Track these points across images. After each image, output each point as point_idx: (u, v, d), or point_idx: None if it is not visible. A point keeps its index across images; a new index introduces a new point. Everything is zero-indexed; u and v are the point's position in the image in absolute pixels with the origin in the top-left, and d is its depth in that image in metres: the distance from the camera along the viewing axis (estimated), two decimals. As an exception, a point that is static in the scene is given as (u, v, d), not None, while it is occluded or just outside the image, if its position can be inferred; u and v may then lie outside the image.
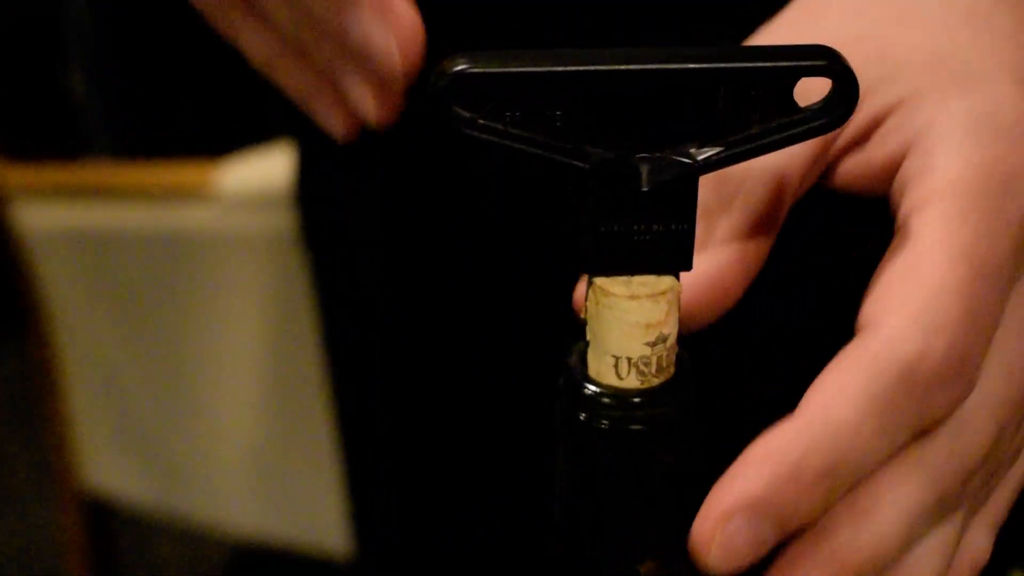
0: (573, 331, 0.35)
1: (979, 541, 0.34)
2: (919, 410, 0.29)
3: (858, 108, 0.32)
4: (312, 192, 0.67)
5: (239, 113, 1.85)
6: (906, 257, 0.30)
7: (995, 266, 0.30)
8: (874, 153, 0.33)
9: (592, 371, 0.34)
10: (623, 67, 0.32)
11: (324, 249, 0.67)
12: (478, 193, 0.56)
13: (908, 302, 0.30)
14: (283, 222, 1.10)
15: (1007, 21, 0.33)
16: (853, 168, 0.35)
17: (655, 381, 0.34)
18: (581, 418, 0.34)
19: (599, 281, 0.34)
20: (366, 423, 0.68)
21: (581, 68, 0.32)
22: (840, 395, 0.29)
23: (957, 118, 0.31)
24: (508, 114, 0.32)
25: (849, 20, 0.35)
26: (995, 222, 0.30)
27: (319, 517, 1.19)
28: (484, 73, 0.31)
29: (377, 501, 0.70)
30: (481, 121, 0.32)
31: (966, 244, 0.30)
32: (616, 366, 0.34)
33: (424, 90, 0.31)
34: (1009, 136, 0.31)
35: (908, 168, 0.32)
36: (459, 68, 0.31)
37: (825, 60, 0.33)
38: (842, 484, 0.29)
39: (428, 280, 0.60)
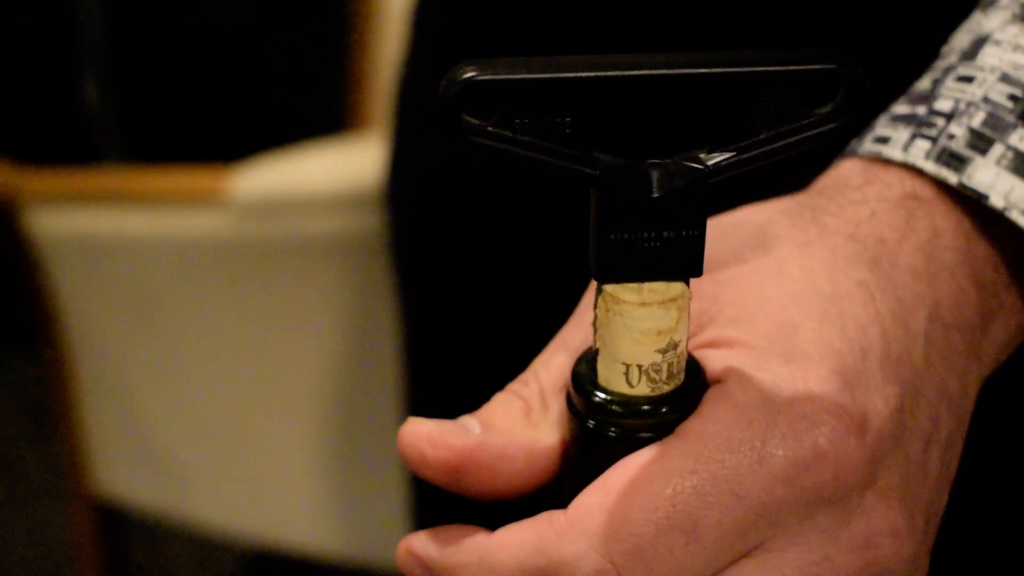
0: None
1: None
2: None
3: (712, 325, 0.36)
4: (403, 192, 0.66)
5: (251, 119, 1.85)
6: (632, 469, 0.34)
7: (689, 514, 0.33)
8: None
9: (602, 379, 0.34)
10: (632, 73, 0.32)
11: (411, 251, 0.66)
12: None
13: (594, 513, 0.33)
14: (295, 228, 1.10)
15: (862, 312, 0.36)
16: None
17: (665, 388, 0.34)
18: (590, 425, 0.34)
19: (609, 288, 0.33)
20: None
21: (590, 74, 0.32)
22: (506, 544, 0.35)
23: (753, 393, 0.34)
24: (517, 121, 0.32)
25: (768, 284, 0.37)
26: (721, 486, 0.33)
27: (380, 528, 1.17)
28: (493, 80, 0.31)
29: (440, 512, 0.69)
30: (490, 128, 0.32)
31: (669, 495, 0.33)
32: (627, 373, 0.34)
33: (435, 98, 0.31)
34: (782, 415, 0.33)
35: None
36: (468, 76, 0.31)
37: (834, 64, 0.32)
38: None
39: (510, 283, 0.59)
